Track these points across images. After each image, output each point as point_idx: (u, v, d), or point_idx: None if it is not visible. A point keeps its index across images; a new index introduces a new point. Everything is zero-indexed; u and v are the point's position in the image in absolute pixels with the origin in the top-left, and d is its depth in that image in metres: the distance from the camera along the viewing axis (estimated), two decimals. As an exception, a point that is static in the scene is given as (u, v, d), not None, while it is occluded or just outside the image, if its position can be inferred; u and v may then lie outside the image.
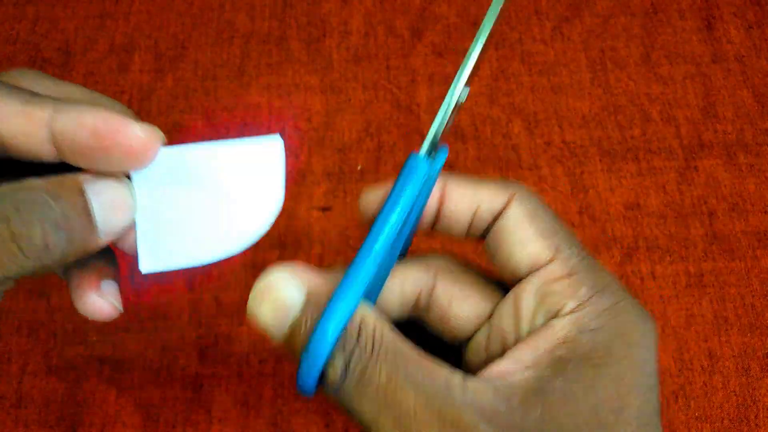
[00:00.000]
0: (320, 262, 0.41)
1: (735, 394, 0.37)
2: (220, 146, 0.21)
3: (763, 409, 0.37)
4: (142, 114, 0.45)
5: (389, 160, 0.44)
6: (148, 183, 0.20)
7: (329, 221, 0.42)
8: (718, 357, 0.38)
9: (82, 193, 0.19)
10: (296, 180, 0.43)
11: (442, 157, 0.22)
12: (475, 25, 0.48)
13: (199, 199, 0.21)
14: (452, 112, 0.22)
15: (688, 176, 0.43)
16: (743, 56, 0.46)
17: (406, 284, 0.23)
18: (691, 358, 0.38)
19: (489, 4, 0.22)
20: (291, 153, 0.44)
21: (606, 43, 0.47)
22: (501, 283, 0.23)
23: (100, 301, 0.22)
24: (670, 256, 0.41)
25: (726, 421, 0.37)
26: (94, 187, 0.19)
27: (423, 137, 0.45)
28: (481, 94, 0.45)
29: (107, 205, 0.19)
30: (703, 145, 0.43)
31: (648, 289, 0.40)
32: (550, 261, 0.21)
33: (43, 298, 0.40)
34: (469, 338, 0.23)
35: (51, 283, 0.40)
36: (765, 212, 0.42)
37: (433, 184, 0.23)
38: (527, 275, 0.21)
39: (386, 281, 0.23)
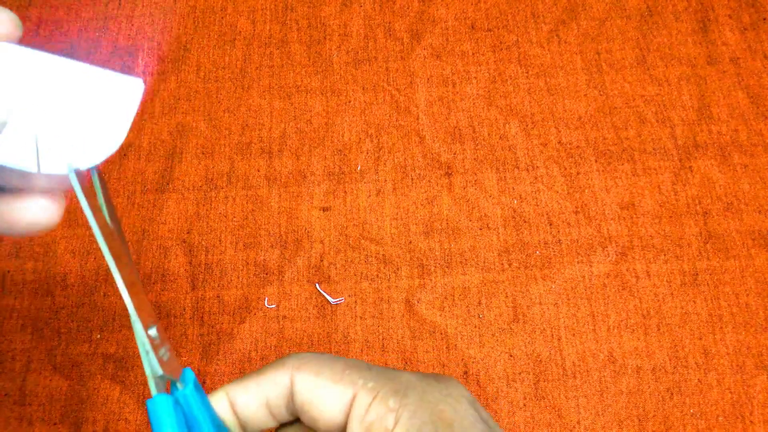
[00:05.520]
0: (320, 261, 0.41)
1: (730, 391, 0.38)
2: (92, 68, 0.21)
3: (757, 405, 0.37)
4: (145, 115, 0.46)
5: (388, 161, 0.44)
6: (18, 82, 0.20)
7: (329, 221, 0.42)
8: (712, 354, 0.39)
9: None
10: (297, 180, 0.44)
11: (190, 378, 0.22)
12: (473, 28, 0.48)
13: (57, 110, 0.20)
14: (156, 350, 0.21)
15: (683, 176, 0.43)
16: (738, 58, 0.46)
17: (268, 391, 0.23)
18: (686, 356, 0.39)
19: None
20: (292, 153, 0.45)
21: (602, 45, 0.47)
22: (356, 362, 0.24)
23: (42, 200, 0.20)
24: (664, 255, 0.41)
25: (721, 418, 0.37)
26: None
27: (421, 138, 0.45)
28: (478, 96, 0.46)
29: None
30: (697, 146, 0.44)
31: (643, 288, 0.40)
32: (354, 396, 0.22)
33: (47, 296, 0.40)
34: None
35: (55, 282, 0.41)
36: (759, 212, 0.42)
37: (203, 402, 0.23)
38: (347, 419, 0.22)
39: (247, 390, 0.23)
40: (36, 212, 0.20)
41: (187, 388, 0.22)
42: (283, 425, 0.25)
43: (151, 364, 0.21)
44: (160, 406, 0.21)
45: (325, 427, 0.23)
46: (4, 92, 0.20)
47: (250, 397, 0.23)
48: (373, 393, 0.22)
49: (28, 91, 0.20)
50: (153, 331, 0.22)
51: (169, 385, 0.22)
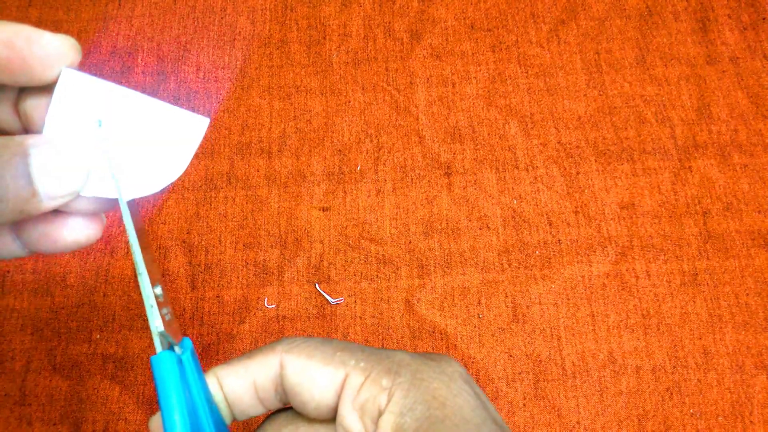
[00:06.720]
0: (320, 261, 0.41)
1: (729, 391, 0.38)
2: (159, 102, 0.22)
3: (757, 405, 0.37)
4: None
5: (388, 161, 0.44)
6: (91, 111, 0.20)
7: (329, 221, 0.42)
8: (712, 354, 0.39)
9: (25, 155, 0.18)
10: (296, 180, 0.44)
11: (188, 345, 0.23)
12: (473, 28, 0.48)
13: (126, 141, 0.21)
14: (161, 310, 0.22)
15: (683, 176, 0.43)
16: (737, 58, 0.46)
17: (256, 373, 0.23)
18: (685, 356, 0.39)
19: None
20: (292, 153, 0.45)
21: (601, 45, 0.47)
22: (348, 344, 0.23)
23: (84, 220, 0.21)
24: (664, 255, 0.41)
25: (720, 418, 0.37)
26: (41, 151, 0.19)
27: (421, 138, 0.45)
28: (478, 96, 0.46)
29: (52, 172, 0.19)
30: (697, 146, 0.44)
31: (643, 288, 0.40)
32: (346, 377, 0.22)
33: (47, 296, 0.40)
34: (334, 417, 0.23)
35: (55, 282, 0.41)
36: (758, 212, 0.42)
37: (199, 371, 0.23)
38: (339, 400, 0.22)
39: (235, 373, 0.23)
40: (79, 231, 0.21)
41: (184, 355, 0.22)
42: (272, 413, 0.24)
43: (155, 320, 0.21)
44: (165, 362, 0.21)
45: (315, 410, 0.22)
46: (85, 129, 0.20)
47: (239, 380, 0.23)
48: (366, 373, 0.22)
49: (104, 123, 0.21)
50: (158, 290, 0.22)
51: (169, 347, 0.22)
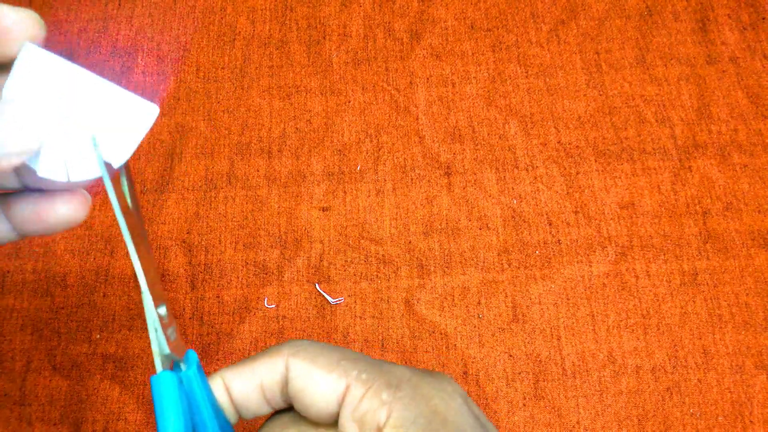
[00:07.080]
0: (320, 261, 0.41)
1: (729, 391, 0.38)
2: (112, 85, 0.21)
3: (757, 406, 0.37)
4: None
5: (388, 161, 0.44)
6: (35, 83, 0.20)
7: (329, 221, 0.42)
8: (712, 354, 0.39)
9: None
10: (296, 180, 0.44)
11: (193, 359, 0.23)
12: (473, 28, 0.48)
13: (78, 121, 0.21)
14: (165, 329, 0.22)
15: (683, 176, 0.43)
16: (737, 57, 0.46)
17: (263, 375, 0.23)
18: (685, 356, 0.39)
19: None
20: (292, 153, 0.45)
21: (601, 45, 0.47)
22: (352, 353, 0.24)
23: (69, 196, 0.21)
24: (664, 255, 0.41)
25: (721, 418, 0.37)
26: None
27: (421, 138, 0.45)
28: (478, 96, 0.46)
29: (6, 127, 0.19)
30: (697, 146, 0.44)
31: (643, 288, 0.40)
32: (348, 387, 0.22)
33: (47, 296, 0.40)
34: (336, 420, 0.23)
35: (55, 282, 0.41)
36: (758, 211, 0.42)
37: (204, 384, 0.23)
38: (339, 409, 0.22)
39: (242, 376, 0.23)
40: (68, 210, 0.22)
41: (190, 370, 0.22)
42: (276, 412, 0.25)
43: (158, 342, 0.22)
44: (165, 383, 0.21)
45: (316, 415, 0.23)
46: (42, 101, 0.20)
47: (246, 382, 0.23)
48: (367, 385, 0.22)
49: (59, 100, 0.21)
50: (162, 310, 0.22)
51: (172, 365, 0.22)
